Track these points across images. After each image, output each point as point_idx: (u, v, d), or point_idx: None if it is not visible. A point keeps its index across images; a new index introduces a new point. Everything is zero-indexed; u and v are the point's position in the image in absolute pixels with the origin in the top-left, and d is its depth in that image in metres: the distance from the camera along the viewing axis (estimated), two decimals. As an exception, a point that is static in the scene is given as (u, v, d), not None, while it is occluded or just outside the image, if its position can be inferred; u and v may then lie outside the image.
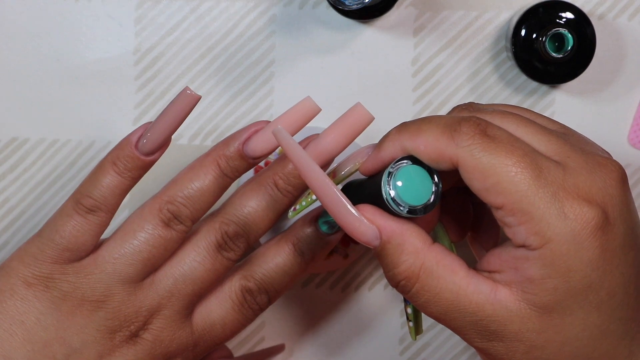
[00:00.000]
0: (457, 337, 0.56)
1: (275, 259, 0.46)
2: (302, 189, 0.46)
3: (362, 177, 0.43)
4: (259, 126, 0.45)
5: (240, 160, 0.45)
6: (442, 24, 0.55)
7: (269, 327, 0.56)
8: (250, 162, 0.45)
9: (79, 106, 0.55)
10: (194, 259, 0.45)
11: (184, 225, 0.45)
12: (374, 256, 0.40)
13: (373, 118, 0.43)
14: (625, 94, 0.55)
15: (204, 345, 0.46)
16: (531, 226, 0.37)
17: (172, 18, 0.55)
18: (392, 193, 0.39)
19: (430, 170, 0.39)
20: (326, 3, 0.54)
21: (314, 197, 0.43)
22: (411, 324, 0.45)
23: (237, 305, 0.46)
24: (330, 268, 0.55)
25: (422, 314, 0.46)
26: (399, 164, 0.39)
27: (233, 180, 0.46)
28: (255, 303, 0.46)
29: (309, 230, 0.47)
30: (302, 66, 0.55)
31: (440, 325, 0.56)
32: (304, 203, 0.44)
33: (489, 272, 0.39)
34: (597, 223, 0.37)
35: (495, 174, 0.37)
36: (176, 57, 0.55)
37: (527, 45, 0.52)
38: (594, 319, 0.38)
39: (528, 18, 0.52)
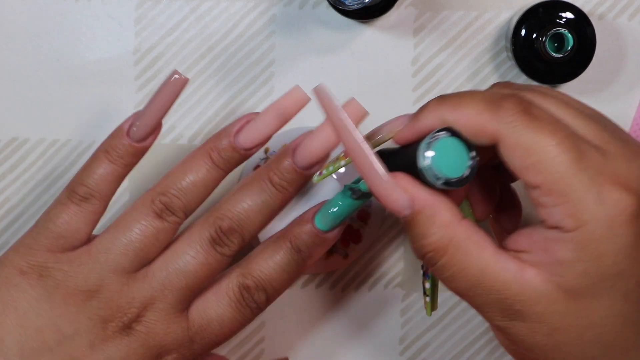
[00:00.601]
0: (457, 337, 0.56)
1: (273, 256, 0.46)
2: (297, 184, 0.46)
3: (394, 146, 0.43)
4: (250, 117, 0.46)
5: (232, 151, 0.45)
6: (442, 24, 0.55)
7: (269, 327, 0.56)
8: (242, 153, 0.45)
9: (79, 106, 0.55)
10: (187, 253, 0.45)
11: (176, 216, 0.45)
12: (403, 225, 0.40)
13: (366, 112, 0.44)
14: (625, 94, 0.55)
15: (201, 343, 0.46)
16: (567, 208, 0.37)
17: (172, 18, 0.55)
18: (429, 163, 0.38)
19: (468, 144, 0.39)
20: (326, 3, 0.54)
21: (342, 162, 0.44)
22: (428, 299, 0.45)
23: (234, 302, 0.46)
24: (330, 268, 0.55)
25: (439, 290, 0.47)
26: (437, 135, 0.39)
27: (226, 172, 0.46)
28: (253, 301, 0.46)
29: (306, 228, 0.46)
30: (302, 66, 0.55)
31: (440, 325, 0.56)
32: (331, 168, 0.44)
33: (517, 251, 0.39)
34: (633, 211, 0.37)
35: (537, 152, 0.37)
36: (176, 57, 0.55)
37: (527, 45, 0.52)
38: (620, 307, 0.38)
39: (528, 18, 0.52)
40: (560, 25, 0.51)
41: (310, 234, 0.46)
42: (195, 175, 0.45)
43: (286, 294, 0.56)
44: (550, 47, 0.51)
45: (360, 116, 0.43)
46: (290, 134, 0.55)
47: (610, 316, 0.38)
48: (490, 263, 0.38)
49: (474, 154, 0.39)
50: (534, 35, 0.51)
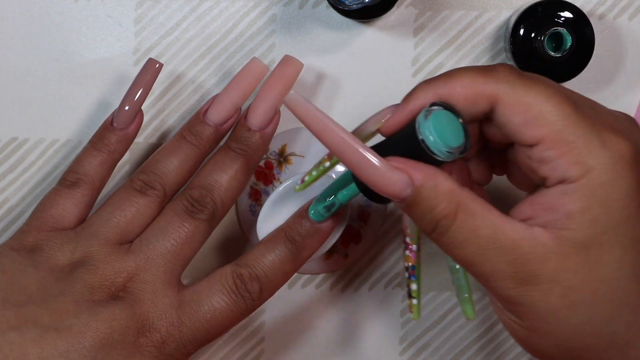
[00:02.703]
0: (457, 337, 0.56)
1: (268, 248, 0.47)
2: (255, 145, 0.49)
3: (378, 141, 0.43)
4: (216, 96, 0.50)
5: (202, 127, 0.49)
6: (442, 24, 0.55)
7: (269, 327, 0.56)
8: (215, 128, 0.49)
9: (79, 106, 0.55)
10: (167, 224, 0.47)
11: (155, 189, 0.48)
12: (404, 210, 0.40)
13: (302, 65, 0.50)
14: (625, 94, 0.55)
15: (191, 327, 0.45)
16: (573, 156, 0.37)
17: (172, 18, 0.55)
18: (431, 134, 0.38)
19: (458, 115, 0.40)
20: (326, 3, 0.54)
21: (327, 164, 0.44)
22: (415, 301, 0.45)
23: (227, 290, 0.46)
24: (330, 268, 0.55)
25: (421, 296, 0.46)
26: (431, 109, 0.39)
27: (201, 149, 0.49)
28: (246, 290, 0.46)
29: (299, 219, 0.47)
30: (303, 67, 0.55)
31: (440, 325, 0.56)
32: (314, 173, 0.45)
33: (521, 220, 0.39)
34: (632, 155, 0.38)
35: (537, 106, 0.38)
36: (176, 57, 0.55)
37: (526, 45, 0.52)
38: (630, 257, 0.38)
39: (527, 17, 0.52)
40: (558, 24, 0.51)
41: (304, 224, 0.47)
42: (170, 154, 0.49)
43: (286, 294, 0.56)
44: (549, 46, 0.50)
45: (299, 69, 0.50)
46: (290, 134, 0.55)
47: (622, 268, 0.38)
48: (499, 223, 0.38)
49: (466, 124, 0.40)
50: (533, 35, 0.51)
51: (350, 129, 0.42)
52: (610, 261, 0.38)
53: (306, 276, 0.56)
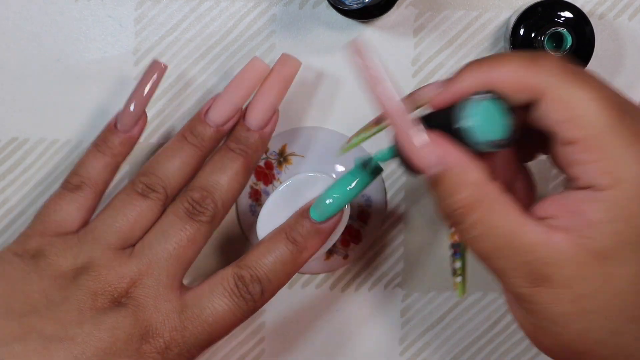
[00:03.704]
0: (457, 337, 0.56)
1: (269, 249, 0.47)
2: (254, 146, 0.49)
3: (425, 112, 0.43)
4: (216, 97, 0.50)
5: (202, 127, 0.49)
6: (442, 24, 0.55)
7: (269, 327, 0.56)
8: (215, 129, 0.49)
9: (79, 106, 0.55)
10: (169, 227, 0.47)
11: (157, 192, 0.48)
12: (430, 187, 0.40)
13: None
14: (625, 94, 0.55)
15: (194, 331, 0.45)
16: (605, 165, 0.37)
17: (172, 18, 0.55)
18: (474, 123, 0.38)
19: (506, 109, 0.39)
20: (326, 3, 0.54)
21: (374, 129, 0.44)
22: (459, 279, 0.45)
23: (228, 292, 0.46)
24: (330, 268, 0.55)
25: (467, 272, 0.46)
26: (480, 97, 0.39)
27: (201, 149, 0.49)
28: (247, 292, 0.46)
29: (300, 219, 0.47)
30: (302, 66, 0.55)
31: (440, 325, 0.56)
32: (362, 135, 0.44)
33: (544, 218, 0.39)
34: None
35: (580, 106, 0.37)
36: (176, 57, 0.55)
37: (526, 45, 0.52)
38: None
39: (527, 17, 0.52)
40: (558, 24, 0.51)
41: (305, 224, 0.47)
42: (172, 156, 0.49)
43: (286, 294, 0.56)
44: (549, 46, 0.50)
45: (297, 67, 0.50)
46: (290, 134, 0.55)
47: (636, 283, 0.37)
48: (519, 224, 0.38)
49: (513, 118, 0.39)
50: (533, 35, 0.51)
51: (351, 129, 0.42)
52: (626, 275, 0.37)
53: (306, 276, 0.56)
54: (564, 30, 0.50)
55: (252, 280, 0.46)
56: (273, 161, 0.54)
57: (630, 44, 0.54)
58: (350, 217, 0.54)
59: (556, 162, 0.40)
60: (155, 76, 0.49)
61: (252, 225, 0.55)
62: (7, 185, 0.55)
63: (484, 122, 0.38)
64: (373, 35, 0.55)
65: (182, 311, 0.45)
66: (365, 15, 0.53)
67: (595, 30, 0.52)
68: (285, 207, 0.49)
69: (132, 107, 0.49)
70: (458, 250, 0.45)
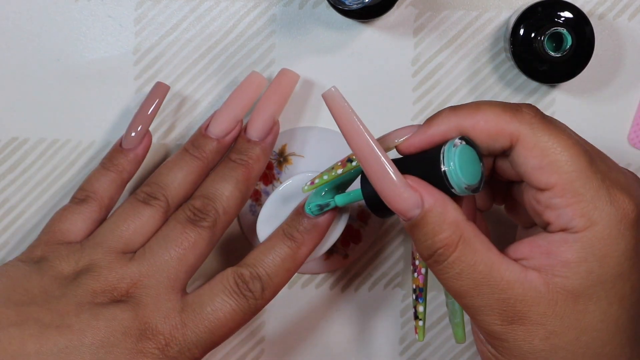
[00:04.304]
0: (457, 337, 0.56)
1: (268, 247, 0.48)
2: (255, 156, 0.50)
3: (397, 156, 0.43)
4: (217, 111, 0.51)
5: (203, 138, 0.51)
6: (442, 24, 0.55)
7: (269, 327, 0.56)
8: (217, 141, 0.51)
9: (79, 106, 0.55)
10: (171, 232, 0.48)
11: (157, 199, 0.49)
12: (408, 229, 0.41)
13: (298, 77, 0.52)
14: (625, 93, 0.55)
15: (195, 330, 0.45)
16: (580, 207, 0.38)
17: (172, 18, 0.55)
18: (452, 167, 0.40)
19: (479, 155, 0.41)
20: (326, 3, 0.54)
21: (339, 171, 0.44)
22: (421, 323, 0.46)
23: (228, 290, 0.46)
24: (330, 268, 0.55)
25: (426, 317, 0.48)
26: (458, 142, 0.40)
27: (203, 161, 0.50)
28: (248, 290, 0.46)
29: (296, 217, 0.48)
30: (302, 66, 0.55)
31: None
32: (325, 177, 0.45)
33: (518, 259, 0.40)
34: (636, 215, 0.39)
35: (555, 153, 0.39)
36: (176, 57, 0.55)
37: (526, 45, 0.52)
38: (614, 311, 0.39)
39: (527, 17, 0.52)
40: (558, 24, 0.51)
41: (301, 219, 0.48)
42: (173, 168, 0.50)
43: (286, 294, 0.56)
44: (549, 46, 0.50)
45: (295, 80, 0.52)
46: (290, 134, 0.55)
47: (604, 320, 0.39)
48: (497, 262, 0.39)
49: (484, 166, 0.41)
50: (533, 35, 0.51)
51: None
52: (597, 312, 0.39)
53: (306, 276, 0.56)
54: (564, 30, 0.50)
55: (252, 278, 0.46)
56: (273, 161, 0.54)
57: (630, 44, 0.54)
58: (350, 217, 0.54)
59: (528, 208, 0.42)
60: (158, 100, 0.51)
61: (252, 225, 0.55)
62: (7, 185, 0.55)
63: (461, 166, 0.40)
64: (373, 35, 0.55)
65: (182, 310, 0.46)
66: (365, 15, 0.53)
67: (595, 30, 0.52)
68: (285, 207, 0.49)
69: (138, 126, 0.51)
70: (421, 295, 0.46)
